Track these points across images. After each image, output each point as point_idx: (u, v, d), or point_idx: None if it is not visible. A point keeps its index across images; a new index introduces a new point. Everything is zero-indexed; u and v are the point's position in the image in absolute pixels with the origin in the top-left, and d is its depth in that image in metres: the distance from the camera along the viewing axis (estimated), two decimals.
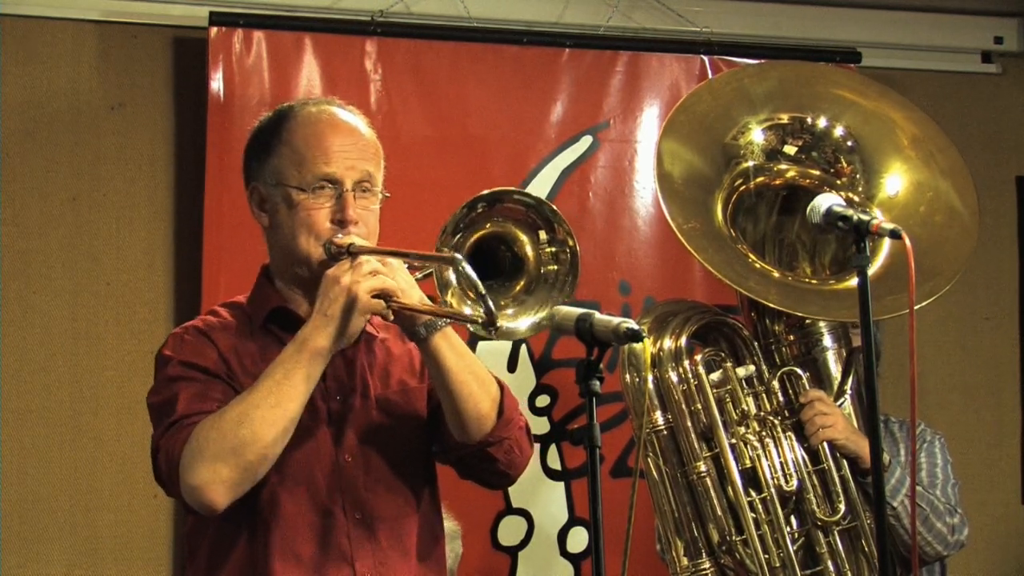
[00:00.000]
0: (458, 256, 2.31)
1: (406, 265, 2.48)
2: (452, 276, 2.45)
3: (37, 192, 4.16)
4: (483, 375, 2.55)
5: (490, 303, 2.30)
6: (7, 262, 4.12)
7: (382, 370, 2.62)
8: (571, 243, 2.49)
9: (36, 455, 4.10)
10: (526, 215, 2.49)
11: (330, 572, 2.50)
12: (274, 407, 2.37)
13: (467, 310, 2.49)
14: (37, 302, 4.15)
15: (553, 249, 2.51)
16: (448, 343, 2.48)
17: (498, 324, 2.30)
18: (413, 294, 2.44)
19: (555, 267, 2.49)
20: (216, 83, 4.10)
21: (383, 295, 2.41)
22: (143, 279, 4.21)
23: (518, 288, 2.51)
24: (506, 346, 4.27)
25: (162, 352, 2.56)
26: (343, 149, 2.54)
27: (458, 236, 2.45)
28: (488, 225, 2.48)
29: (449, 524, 3.47)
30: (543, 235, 2.50)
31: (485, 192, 2.45)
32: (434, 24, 4.36)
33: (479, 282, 2.30)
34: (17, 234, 4.14)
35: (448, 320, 2.47)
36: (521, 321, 2.44)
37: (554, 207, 2.47)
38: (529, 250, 2.51)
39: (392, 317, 2.45)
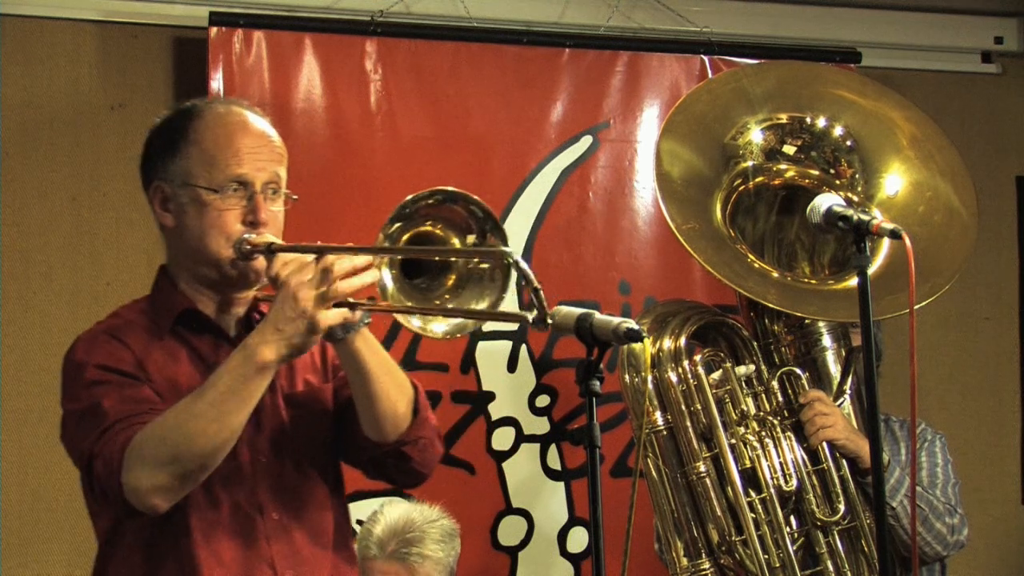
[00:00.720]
0: (507, 250, 2.33)
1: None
2: (387, 275, 2.42)
3: (37, 192, 4.16)
4: (399, 375, 2.55)
5: (543, 299, 2.28)
6: (7, 262, 4.12)
7: (287, 369, 2.60)
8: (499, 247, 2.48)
9: (36, 455, 4.10)
10: (466, 220, 2.46)
11: (253, 574, 2.49)
12: (215, 420, 2.33)
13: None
14: (37, 302, 4.15)
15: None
16: (366, 343, 2.47)
17: (548, 321, 2.30)
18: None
19: (485, 265, 2.47)
20: (216, 83, 4.09)
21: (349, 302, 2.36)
22: (143, 279, 4.17)
23: (448, 284, 2.48)
24: (506, 346, 4.28)
25: (73, 358, 2.51)
26: (254, 151, 2.52)
27: (397, 225, 2.42)
28: (428, 224, 2.45)
29: (447, 523, 3.47)
30: (470, 239, 2.47)
31: (447, 189, 2.43)
32: (434, 24, 4.36)
33: (533, 277, 2.27)
34: (17, 234, 4.14)
35: (367, 320, 2.45)
36: (447, 320, 2.43)
37: (501, 227, 2.47)
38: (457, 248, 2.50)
39: (355, 320, 2.41)
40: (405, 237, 2.45)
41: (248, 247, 2.48)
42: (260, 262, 2.49)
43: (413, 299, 2.46)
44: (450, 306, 2.48)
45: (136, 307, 2.61)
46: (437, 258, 2.49)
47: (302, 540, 2.55)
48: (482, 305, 2.49)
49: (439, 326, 2.47)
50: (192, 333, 2.55)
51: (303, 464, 2.58)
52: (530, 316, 2.29)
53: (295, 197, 2.59)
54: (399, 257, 2.45)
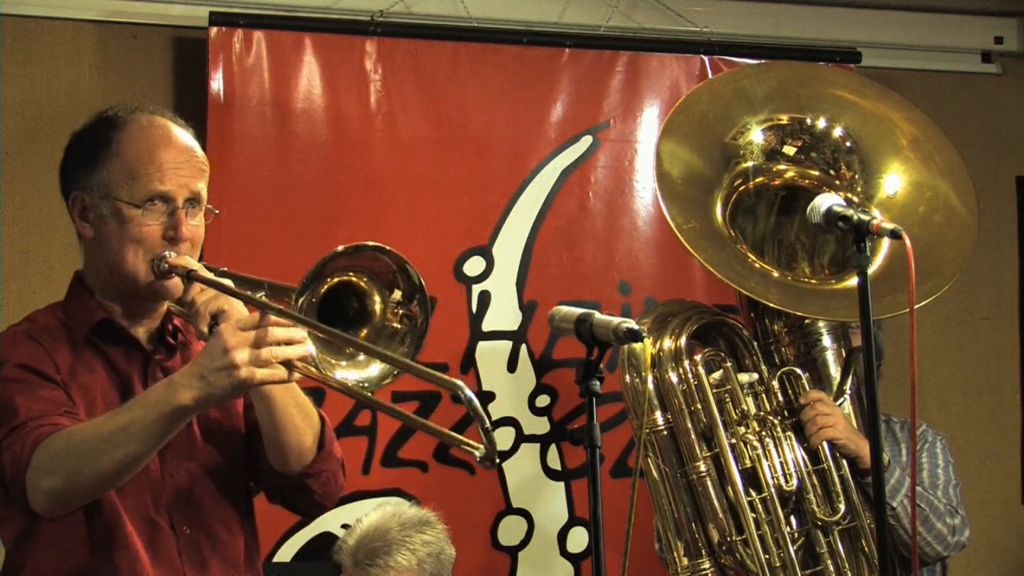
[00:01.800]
0: (459, 383, 2.22)
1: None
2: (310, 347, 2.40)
3: (37, 192, 4.16)
4: (307, 407, 2.53)
5: (493, 440, 2.20)
6: (7, 262, 4.12)
7: None
8: (419, 316, 2.44)
9: None
10: (393, 275, 2.44)
11: None
12: (120, 446, 2.29)
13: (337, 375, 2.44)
14: (37, 302, 4.12)
15: (401, 312, 2.46)
16: None
17: (496, 460, 2.22)
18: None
19: (399, 325, 2.44)
20: (216, 83, 4.09)
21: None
22: None
23: (361, 335, 2.45)
24: (506, 346, 4.28)
25: None
26: (177, 167, 2.50)
27: (306, 293, 2.39)
28: (348, 275, 2.43)
29: (430, 526, 3.44)
30: (397, 295, 2.45)
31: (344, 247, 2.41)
32: (434, 24, 4.36)
33: (484, 416, 2.20)
34: (17, 234, 4.14)
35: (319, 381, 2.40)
36: (351, 373, 2.40)
37: (427, 299, 2.47)
38: (377, 306, 2.47)
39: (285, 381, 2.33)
40: (323, 288, 2.41)
41: (166, 266, 2.46)
42: (176, 282, 2.47)
43: (324, 344, 2.39)
44: (362, 358, 2.43)
45: (51, 313, 2.61)
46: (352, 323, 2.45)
47: (212, 556, 2.54)
48: (398, 353, 2.45)
49: (372, 369, 2.44)
50: (106, 343, 2.54)
51: (215, 481, 2.57)
52: (477, 453, 2.22)
53: (216, 212, 2.58)
54: (317, 295, 2.41)
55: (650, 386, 3.33)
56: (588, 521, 2.71)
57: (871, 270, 3.21)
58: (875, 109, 3.53)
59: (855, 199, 3.42)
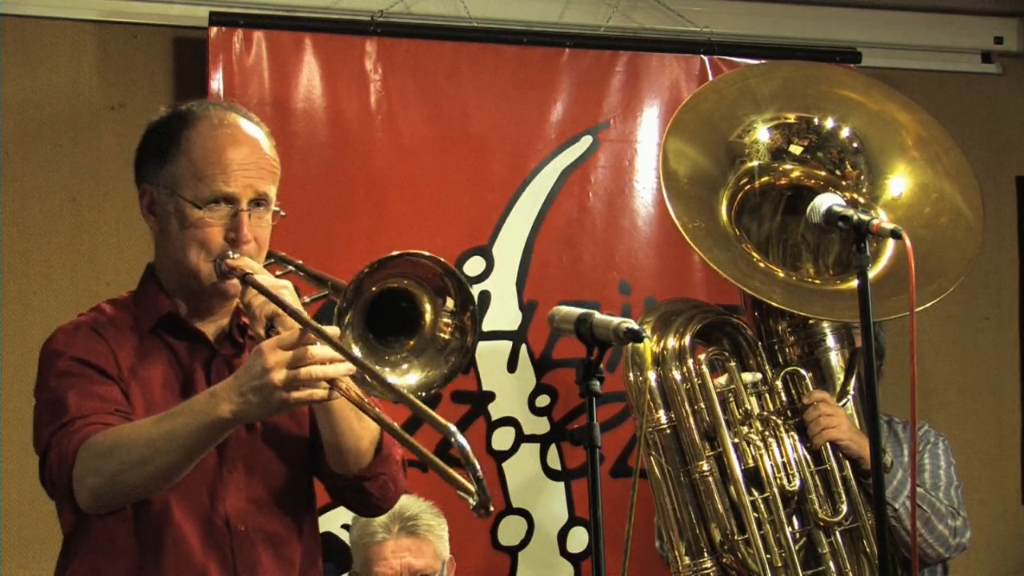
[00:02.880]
0: (452, 428, 2.19)
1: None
2: (355, 348, 2.39)
3: (37, 192, 4.16)
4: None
5: (485, 488, 2.17)
6: (7, 262, 4.12)
7: None
8: (468, 331, 2.44)
9: (36, 455, 4.09)
10: (440, 279, 2.44)
11: None
12: (163, 454, 2.30)
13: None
14: (37, 302, 4.14)
15: (452, 323, 2.47)
16: None
17: (490, 508, 2.18)
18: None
19: (448, 338, 2.45)
20: (216, 83, 4.09)
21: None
22: None
23: (409, 346, 2.46)
24: (506, 346, 4.27)
25: (51, 347, 2.52)
26: (243, 168, 2.49)
27: (349, 311, 2.40)
28: (397, 280, 2.43)
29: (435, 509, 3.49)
30: (449, 303, 2.45)
31: (399, 253, 2.42)
32: (434, 24, 4.36)
33: (477, 465, 2.17)
34: (17, 234, 4.14)
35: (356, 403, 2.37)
36: (408, 377, 2.40)
37: (477, 316, 2.46)
38: (428, 314, 2.47)
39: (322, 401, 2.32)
40: (373, 289, 2.42)
41: (225, 267, 2.46)
42: (236, 283, 2.47)
43: (369, 350, 2.42)
44: (405, 367, 2.44)
45: (121, 303, 2.61)
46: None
47: (267, 556, 2.54)
48: (427, 373, 2.46)
49: (410, 378, 2.44)
50: (172, 336, 2.55)
51: (274, 482, 2.56)
52: (472, 501, 2.19)
53: (283, 213, 2.57)
54: (362, 304, 2.41)
55: (652, 384, 3.33)
56: (588, 521, 2.72)
57: (875, 271, 3.22)
58: (881, 110, 3.53)
59: (860, 200, 3.42)
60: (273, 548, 2.54)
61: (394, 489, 2.60)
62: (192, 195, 2.48)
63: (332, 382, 2.26)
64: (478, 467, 2.17)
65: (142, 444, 2.31)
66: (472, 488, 2.16)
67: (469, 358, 2.47)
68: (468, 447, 2.18)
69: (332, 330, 2.30)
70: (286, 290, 2.41)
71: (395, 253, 2.42)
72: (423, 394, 2.44)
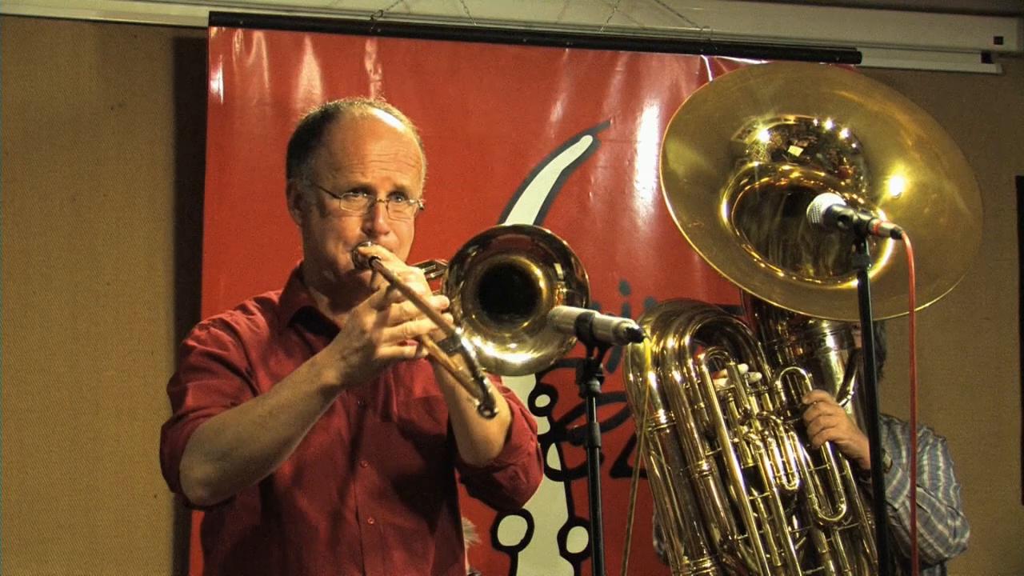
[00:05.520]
0: (458, 332, 2.24)
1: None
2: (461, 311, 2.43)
3: (37, 192, 4.16)
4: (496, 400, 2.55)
5: (488, 390, 2.23)
6: (7, 262, 4.12)
7: (407, 381, 2.61)
8: (587, 288, 2.48)
9: (36, 455, 4.10)
10: (533, 245, 2.47)
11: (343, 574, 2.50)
12: (270, 429, 2.34)
13: (476, 342, 2.47)
14: (37, 302, 4.15)
15: (567, 291, 2.49)
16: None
17: (495, 410, 2.25)
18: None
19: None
20: (216, 83, 4.09)
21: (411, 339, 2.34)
22: (143, 279, 4.21)
23: (524, 326, 2.49)
24: None
25: (186, 342, 2.56)
26: (380, 159, 2.52)
27: (461, 282, 2.43)
28: (495, 256, 2.46)
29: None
30: (559, 269, 2.48)
31: (472, 238, 2.45)
32: (434, 24, 4.36)
33: (477, 364, 2.22)
34: (17, 234, 4.14)
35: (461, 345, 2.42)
36: (517, 356, 2.42)
37: (564, 242, 2.48)
38: (543, 285, 2.50)
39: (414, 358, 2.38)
40: (479, 268, 2.45)
41: (361, 256, 2.48)
42: (370, 272, 2.49)
43: (487, 328, 2.45)
44: (513, 346, 2.45)
45: (264, 300, 2.65)
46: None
47: (397, 551, 2.54)
48: (553, 346, 2.48)
49: (518, 357, 2.47)
50: (310, 331, 2.57)
51: (407, 476, 2.57)
52: (476, 401, 2.25)
53: (422, 207, 2.59)
54: (472, 281, 2.44)
55: (652, 384, 3.33)
56: (588, 521, 2.71)
57: (875, 271, 3.22)
58: (881, 110, 3.53)
59: (860, 200, 3.42)
60: (404, 542, 2.55)
61: (525, 481, 2.59)
62: (331, 185, 2.51)
63: (419, 339, 2.30)
64: (480, 370, 2.22)
65: (248, 423, 2.35)
66: (478, 392, 2.22)
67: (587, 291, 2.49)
68: (472, 352, 2.23)
69: (440, 299, 2.34)
70: (412, 275, 2.41)
71: (489, 231, 2.45)
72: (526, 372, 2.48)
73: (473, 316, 2.45)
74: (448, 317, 2.32)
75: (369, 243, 2.48)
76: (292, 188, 2.61)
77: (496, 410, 2.24)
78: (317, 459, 2.50)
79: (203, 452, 2.37)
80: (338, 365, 2.32)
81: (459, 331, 2.24)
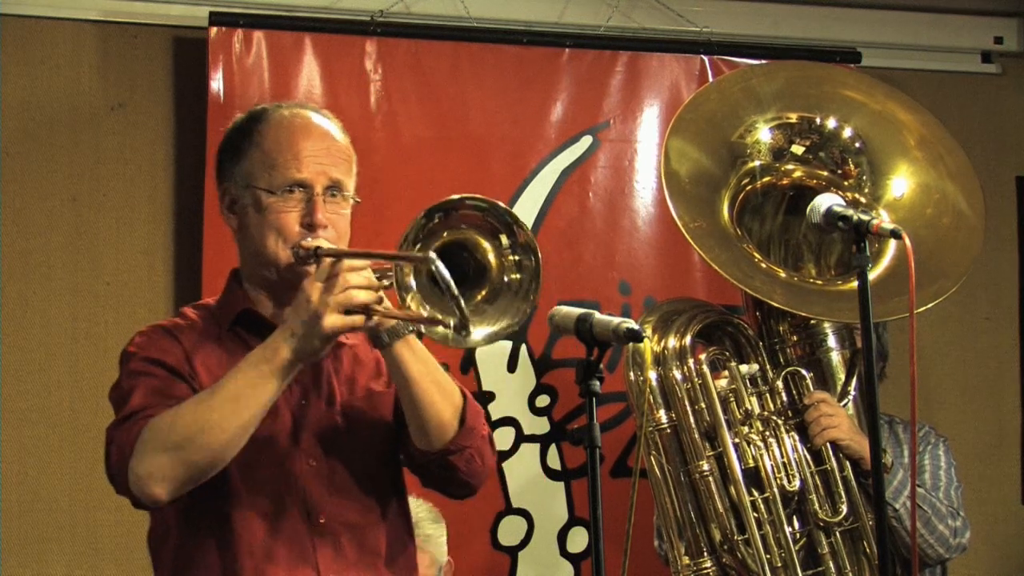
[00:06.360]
0: (432, 255, 2.28)
1: (374, 271, 2.42)
2: (412, 280, 2.43)
3: (37, 192, 4.16)
4: (445, 383, 2.53)
5: (463, 306, 2.27)
6: (7, 262, 4.12)
7: (348, 376, 2.61)
8: (534, 247, 2.47)
9: (36, 455, 4.10)
10: (483, 220, 2.47)
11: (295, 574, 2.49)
12: (229, 414, 2.35)
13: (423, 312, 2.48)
14: (37, 302, 4.15)
15: (516, 257, 2.48)
16: (411, 351, 2.45)
17: (471, 329, 2.29)
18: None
19: (518, 275, 2.47)
20: (216, 83, 4.09)
21: (357, 309, 2.36)
22: (143, 279, 4.21)
23: (479, 297, 2.48)
24: (506, 346, 4.28)
25: (126, 349, 2.55)
26: (314, 154, 2.53)
27: (418, 246, 2.43)
28: (446, 233, 2.46)
29: (434, 510, 3.47)
30: (504, 240, 2.48)
31: (440, 202, 2.44)
32: (434, 24, 4.36)
33: (452, 282, 2.26)
34: (17, 234, 4.14)
35: (413, 328, 2.44)
36: (477, 331, 2.42)
37: (511, 211, 2.48)
38: (492, 257, 2.49)
39: (363, 328, 2.40)
40: (435, 245, 2.45)
41: (302, 251, 2.48)
42: (314, 267, 2.48)
43: (439, 306, 2.45)
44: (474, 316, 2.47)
45: (202, 307, 2.65)
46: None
47: (349, 546, 2.54)
48: (509, 319, 2.49)
49: (477, 331, 2.46)
50: (250, 334, 2.56)
51: (355, 474, 2.57)
52: (451, 321, 2.27)
53: (358, 200, 2.59)
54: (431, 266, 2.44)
55: (653, 384, 3.33)
56: (588, 521, 2.71)
57: (876, 272, 3.22)
58: (884, 110, 3.53)
59: (862, 200, 3.41)
60: (356, 537, 2.55)
61: (480, 463, 2.58)
62: (267, 184, 2.52)
63: (367, 308, 2.33)
64: (455, 291, 2.26)
65: (205, 410, 2.35)
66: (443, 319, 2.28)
67: (539, 279, 2.50)
68: (447, 273, 2.25)
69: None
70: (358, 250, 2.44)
71: (433, 205, 2.46)
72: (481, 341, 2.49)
73: (426, 288, 2.45)
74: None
75: (309, 238, 2.49)
76: (225, 193, 2.60)
77: (472, 329, 2.28)
78: (263, 459, 2.49)
79: (156, 445, 2.35)
80: (289, 340, 2.34)
81: (432, 254, 2.27)
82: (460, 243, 2.48)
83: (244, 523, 2.48)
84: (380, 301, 2.37)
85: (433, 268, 2.26)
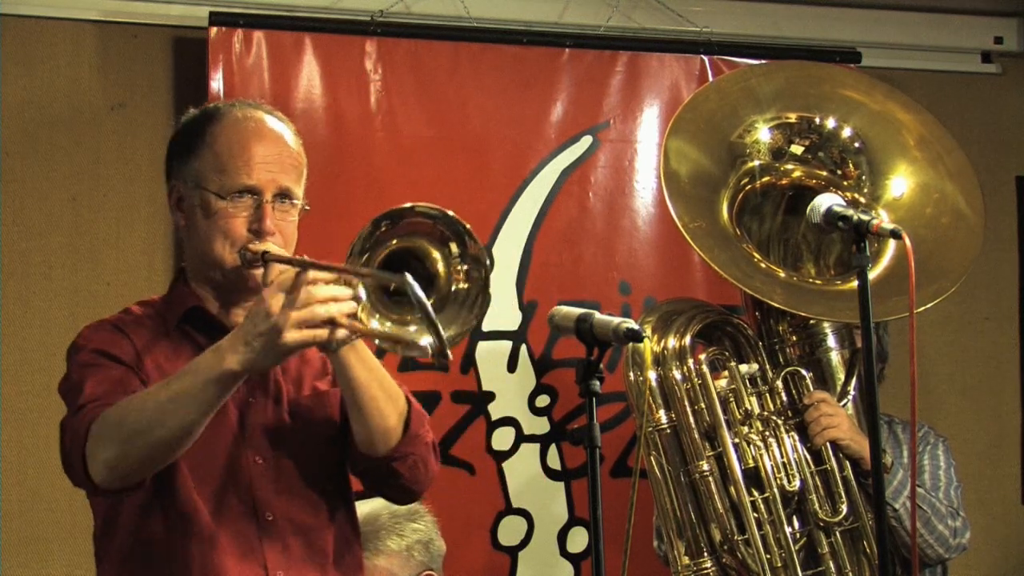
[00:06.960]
0: (408, 277, 2.22)
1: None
2: (360, 291, 2.41)
3: (37, 192, 4.16)
4: (391, 388, 2.53)
5: (442, 332, 2.23)
6: (7, 262, 4.12)
7: (295, 375, 2.61)
8: (484, 260, 2.46)
9: (36, 455, 4.10)
10: (434, 227, 2.46)
11: (244, 573, 2.49)
12: (172, 414, 2.32)
13: (375, 324, 2.45)
14: (37, 302, 4.15)
15: (465, 266, 2.47)
16: (357, 355, 2.45)
17: (450, 355, 2.25)
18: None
19: (466, 285, 2.46)
20: (216, 83, 4.09)
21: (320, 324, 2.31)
22: (143, 279, 4.21)
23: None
24: (506, 346, 4.27)
25: (74, 343, 2.55)
26: (265, 161, 2.52)
27: (366, 255, 2.41)
28: (395, 241, 2.45)
29: (428, 523, 3.43)
30: (454, 248, 2.46)
31: (388, 210, 2.43)
32: (434, 24, 4.36)
33: (429, 307, 2.22)
34: (17, 234, 4.14)
35: (385, 346, 2.43)
36: (424, 339, 2.40)
37: (464, 222, 2.47)
38: (440, 266, 2.48)
39: (327, 344, 2.35)
40: (381, 257, 2.44)
41: (249, 255, 2.48)
42: (260, 273, 2.48)
43: (391, 314, 2.43)
44: (412, 328, 2.44)
45: (149, 304, 2.64)
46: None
47: (296, 544, 2.54)
48: (455, 328, 2.47)
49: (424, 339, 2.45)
50: (197, 331, 2.57)
51: (303, 472, 2.57)
52: (426, 344, 2.25)
53: (307, 208, 2.59)
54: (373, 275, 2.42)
55: (653, 384, 3.33)
56: (588, 521, 2.71)
57: (876, 272, 3.22)
58: (883, 110, 3.53)
59: (862, 200, 3.42)
60: (303, 536, 2.55)
61: (424, 471, 2.59)
62: (216, 187, 2.51)
63: (332, 322, 2.29)
64: (432, 314, 2.22)
65: (151, 408, 2.33)
66: (423, 344, 2.24)
67: (488, 291, 2.48)
68: (424, 296, 2.22)
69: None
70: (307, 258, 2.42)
71: (380, 214, 2.44)
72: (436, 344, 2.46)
73: (373, 298, 2.44)
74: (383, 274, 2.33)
75: (257, 242, 2.49)
76: (174, 190, 2.60)
77: (450, 357, 2.25)
78: (211, 457, 2.49)
79: (108, 436, 2.35)
80: (240, 351, 2.30)
81: (408, 276, 2.23)
82: (409, 251, 2.47)
83: (192, 520, 2.47)
84: (353, 315, 2.32)
85: (409, 292, 2.22)
